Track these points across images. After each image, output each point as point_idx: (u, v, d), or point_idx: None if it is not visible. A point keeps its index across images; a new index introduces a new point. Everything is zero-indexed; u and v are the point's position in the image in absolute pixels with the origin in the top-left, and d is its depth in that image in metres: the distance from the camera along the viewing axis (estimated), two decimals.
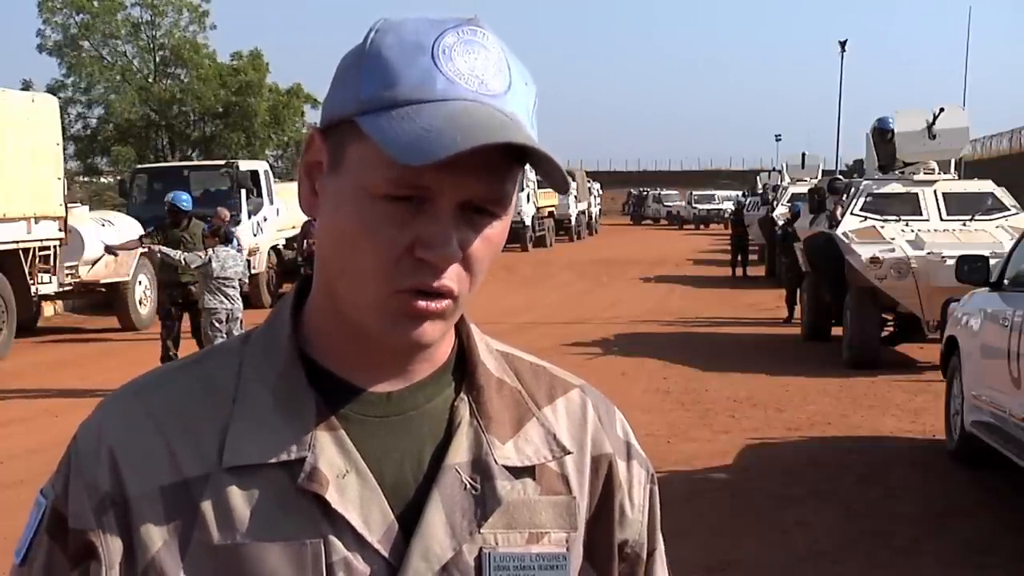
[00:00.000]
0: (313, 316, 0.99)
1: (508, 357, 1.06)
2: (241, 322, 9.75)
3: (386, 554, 0.93)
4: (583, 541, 1.03)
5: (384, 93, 0.88)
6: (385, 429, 0.96)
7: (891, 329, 12.17)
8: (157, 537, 0.91)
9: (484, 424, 0.99)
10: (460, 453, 0.97)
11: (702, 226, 54.99)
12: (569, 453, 1.02)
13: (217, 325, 9.58)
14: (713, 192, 59.96)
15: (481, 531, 0.96)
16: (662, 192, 66.61)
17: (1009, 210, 12.15)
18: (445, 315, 0.92)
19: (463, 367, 1.02)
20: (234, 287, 9.78)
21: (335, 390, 0.96)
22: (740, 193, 45.12)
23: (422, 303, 0.90)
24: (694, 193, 60.35)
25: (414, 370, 0.98)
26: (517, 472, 0.98)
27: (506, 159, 0.90)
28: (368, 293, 0.91)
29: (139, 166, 23.51)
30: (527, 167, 0.94)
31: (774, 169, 39.29)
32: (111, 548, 0.92)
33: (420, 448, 0.97)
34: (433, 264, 0.89)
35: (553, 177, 0.91)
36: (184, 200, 10.77)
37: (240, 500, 0.92)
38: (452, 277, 0.90)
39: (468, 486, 0.96)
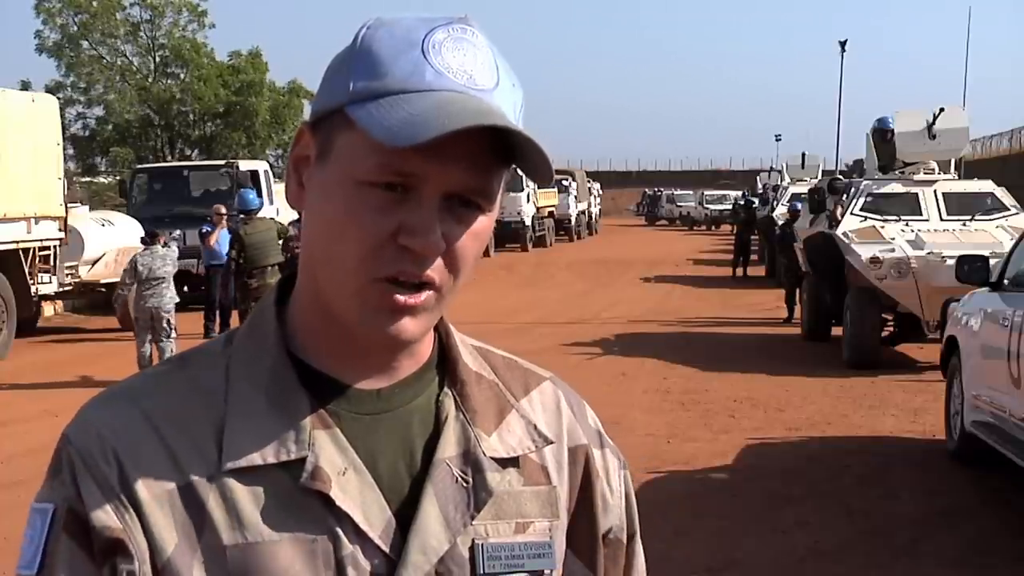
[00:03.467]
0: (298, 314, 0.99)
1: (482, 351, 1.08)
2: (169, 320, 10.44)
3: (386, 549, 0.93)
4: (567, 531, 1.04)
5: (373, 84, 0.89)
6: (376, 426, 0.97)
7: (891, 329, 12.17)
8: (170, 540, 0.91)
9: (469, 417, 1.00)
10: (450, 447, 0.98)
11: (713, 227, 53.89)
12: (551, 443, 1.04)
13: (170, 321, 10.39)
14: (726, 192, 58.08)
15: (473, 523, 0.97)
16: (675, 192, 66.08)
17: (1009, 210, 12.16)
18: (426, 309, 0.92)
19: (444, 363, 1.03)
20: (163, 283, 10.37)
21: (325, 388, 0.96)
22: (742, 193, 45.06)
23: (401, 297, 0.90)
24: (705, 193, 59.44)
25: (399, 367, 0.99)
26: (503, 463, 1.00)
27: (492, 154, 0.90)
28: (349, 281, 0.91)
29: (139, 166, 23.52)
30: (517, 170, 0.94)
31: (773, 169, 39.33)
32: (140, 544, 0.90)
33: (411, 443, 0.98)
34: (416, 252, 0.89)
35: (539, 169, 0.91)
36: (250, 200, 11.60)
37: (247, 501, 0.92)
38: (434, 268, 0.91)
39: (459, 479, 0.97)
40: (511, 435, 1.01)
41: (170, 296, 10.42)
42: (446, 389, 1.01)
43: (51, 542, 0.92)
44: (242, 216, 11.49)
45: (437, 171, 0.88)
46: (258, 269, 10.73)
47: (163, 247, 10.71)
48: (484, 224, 0.93)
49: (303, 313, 0.98)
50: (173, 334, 10.42)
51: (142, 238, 11.06)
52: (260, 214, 17.04)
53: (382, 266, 0.90)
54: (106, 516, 0.90)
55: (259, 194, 18.17)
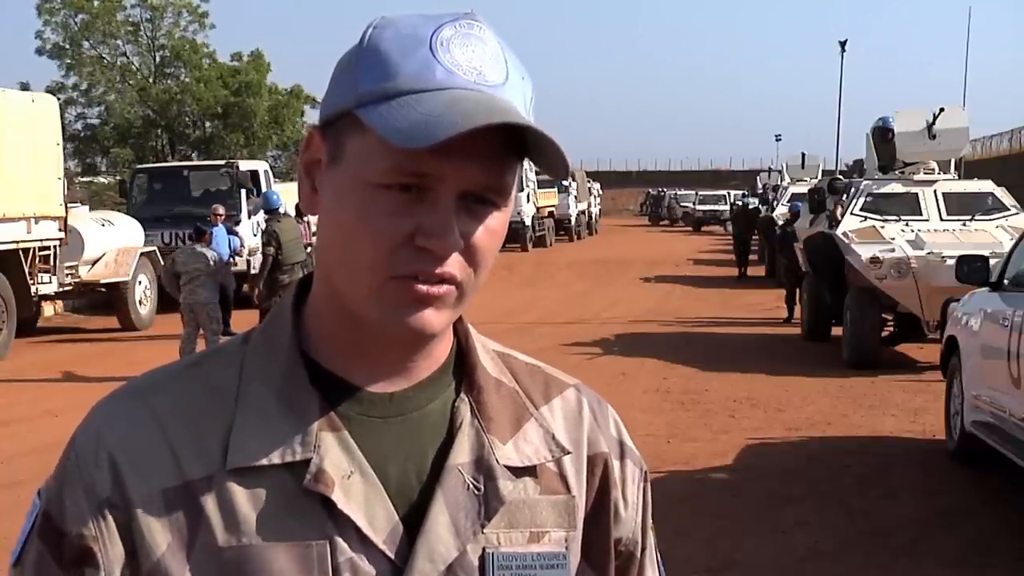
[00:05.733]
0: (314, 316, 0.99)
1: (504, 357, 1.07)
2: (209, 315, 10.73)
3: (391, 555, 0.92)
4: (581, 540, 1.03)
5: (383, 84, 0.88)
6: (387, 430, 0.96)
7: (891, 329, 12.16)
8: (161, 540, 0.91)
9: (485, 424, 0.99)
10: (462, 453, 0.97)
11: (704, 227, 53.49)
12: (568, 453, 1.03)
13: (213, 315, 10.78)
14: (723, 192, 56.97)
15: (484, 531, 0.96)
16: (679, 192, 65.70)
17: (1009, 210, 12.15)
18: (447, 302, 0.91)
19: (462, 367, 1.02)
20: (195, 280, 10.69)
21: (337, 390, 0.96)
22: (743, 193, 44.93)
23: (422, 287, 0.90)
24: (700, 193, 58.84)
25: (415, 370, 0.98)
26: (517, 472, 0.98)
27: (506, 149, 0.90)
28: (367, 281, 0.90)
29: (139, 166, 23.50)
30: (527, 164, 0.94)
31: (772, 169, 39.29)
32: (110, 554, 0.91)
33: (422, 449, 0.97)
34: (434, 253, 0.89)
35: (553, 164, 0.91)
36: (274, 199, 11.96)
37: (245, 501, 0.91)
38: (454, 265, 0.90)
39: (471, 486, 0.96)
40: (528, 444, 1.00)
41: (202, 293, 10.68)
42: (462, 395, 1.00)
43: (29, 541, 0.95)
44: (268, 216, 11.80)
45: (452, 170, 0.88)
46: (289, 266, 11.06)
47: (202, 246, 11.00)
48: (500, 220, 0.93)
49: (319, 315, 0.98)
50: (214, 326, 10.68)
51: (189, 235, 11.47)
52: (261, 213, 17.20)
53: (400, 266, 0.89)
54: (81, 524, 0.91)
55: (259, 194, 18.26)
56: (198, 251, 10.86)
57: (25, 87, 28.90)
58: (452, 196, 0.89)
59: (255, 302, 12.33)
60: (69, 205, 14.96)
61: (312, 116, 38.65)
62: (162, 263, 16.21)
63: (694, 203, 57.12)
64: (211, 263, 10.84)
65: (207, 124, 38.58)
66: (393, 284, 0.90)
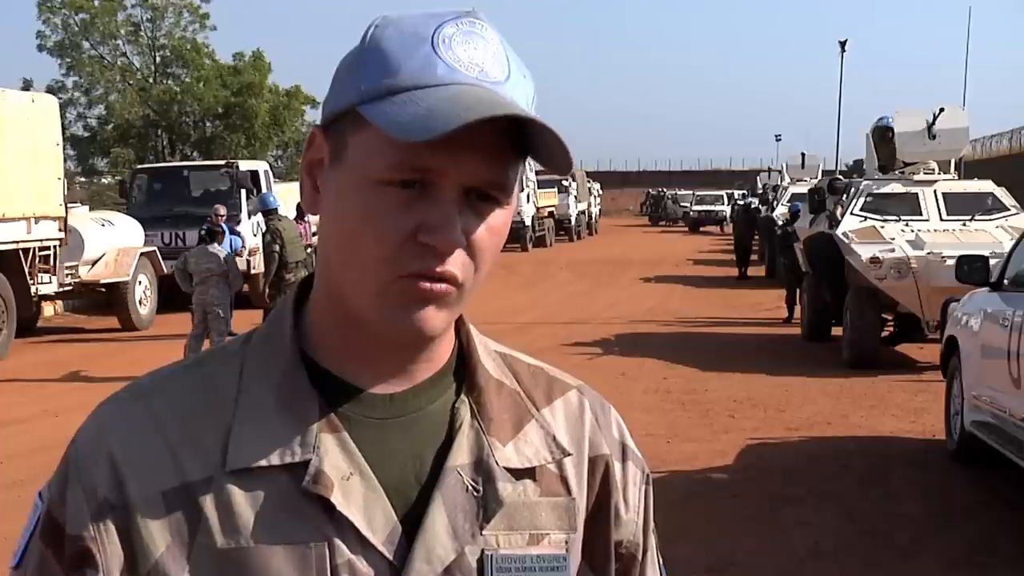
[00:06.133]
0: (315, 316, 0.99)
1: (506, 358, 1.06)
2: (218, 315, 10.73)
3: (390, 556, 0.92)
4: (581, 542, 1.03)
5: (385, 81, 0.89)
6: (387, 431, 0.96)
7: (891, 329, 12.16)
8: (160, 541, 0.91)
9: (485, 426, 0.98)
10: (462, 455, 0.96)
11: (701, 227, 53.54)
12: (568, 455, 1.02)
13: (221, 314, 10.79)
14: (721, 192, 56.28)
15: (483, 533, 0.95)
16: (678, 193, 65.55)
17: (1009, 210, 12.15)
18: (448, 301, 0.91)
19: (463, 368, 1.01)
20: (206, 281, 10.71)
21: (337, 391, 0.96)
22: (743, 193, 44.89)
23: (426, 284, 0.89)
24: (697, 193, 58.54)
25: (415, 371, 0.98)
26: (517, 474, 0.98)
27: (508, 145, 0.90)
28: (371, 281, 0.90)
29: (139, 166, 23.50)
30: (527, 164, 0.94)
31: (772, 169, 39.31)
32: (109, 555, 0.91)
33: (421, 450, 0.97)
34: (437, 249, 0.89)
35: (557, 158, 0.91)
36: (271, 200, 12.04)
37: (244, 503, 0.91)
38: (456, 263, 0.90)
39: (470, 488, 0.96)
40: (528, 446, 1.00)
41: (213, 293, 10.70)
42: (463, 396, 0.99)
43: (31, 543, 0.95)
44: (266, 216, 11.86)
45: (454, 165, 0.88)
46: (293, 263, 11.20)
47: (214, 247, 11.04)
48: (502, 217, 0.93)
49: (319, 315, 0.98)
50: (221, 327, 10.64)
51: (201, 234, 11.52)
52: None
53: (404, 264, 0.89)
54: (81, 525, 0.91)
55: (259, 194, 18.26)
56: (210, 252, 10.88)
57: (28, 84, 28.99)
58: (454, 191, 0.89)
59: (261, 302, 12.33)
60: (69, 205, 14.97)
61: (312, 116, 38.70)
62: (162, 263, 16.27)
63: (691, 203, 56.91)
64: (223, 263, 10.87)
65: (208, 124, 38.61)
66: (397, 284, 0.90)
